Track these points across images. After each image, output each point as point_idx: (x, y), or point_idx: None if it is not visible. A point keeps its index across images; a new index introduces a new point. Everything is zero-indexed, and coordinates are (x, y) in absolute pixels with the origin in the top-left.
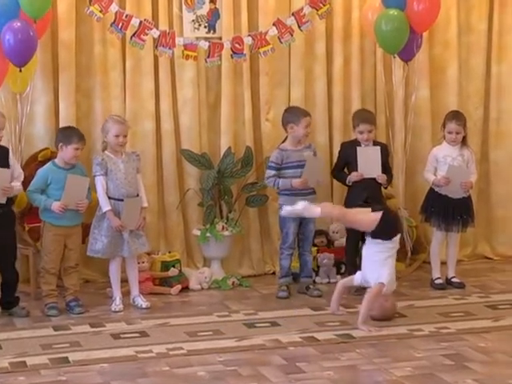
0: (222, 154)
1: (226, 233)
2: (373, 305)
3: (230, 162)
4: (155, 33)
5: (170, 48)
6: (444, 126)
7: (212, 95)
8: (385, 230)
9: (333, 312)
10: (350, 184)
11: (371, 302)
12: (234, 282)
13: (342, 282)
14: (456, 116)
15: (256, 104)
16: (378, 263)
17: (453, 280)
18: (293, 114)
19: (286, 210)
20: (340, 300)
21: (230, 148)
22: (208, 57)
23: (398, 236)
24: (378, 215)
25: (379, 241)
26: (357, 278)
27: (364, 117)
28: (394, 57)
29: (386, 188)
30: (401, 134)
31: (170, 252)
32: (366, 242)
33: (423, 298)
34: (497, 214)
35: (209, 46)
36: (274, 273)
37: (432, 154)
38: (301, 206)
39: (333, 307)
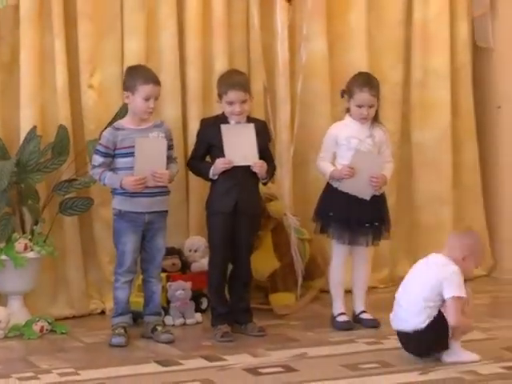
0: (22, 138)
1: (31, 254)
2: None
3: (34, 150)
4: None
5: None
6: (348, 94)
7: (5, 49)
8: None
9: None
10: (215, 178)
11: None
12: (43, 328)
13: None
14: (369, 82)
15: (73, 62)
16: None
17: (363, 316)
18: (131, 77)
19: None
20: None
21: (34, 128)
22: None
23: None
24: None
25: None
26: None
27: (234, 81)
28: None
29: (265, 183)
30: (285, 107)
31: None
32: None
33: (321, 344)
34: (423, 219)
35: None
36: (103, 312)
37: (330, 135)
38: None
39: None
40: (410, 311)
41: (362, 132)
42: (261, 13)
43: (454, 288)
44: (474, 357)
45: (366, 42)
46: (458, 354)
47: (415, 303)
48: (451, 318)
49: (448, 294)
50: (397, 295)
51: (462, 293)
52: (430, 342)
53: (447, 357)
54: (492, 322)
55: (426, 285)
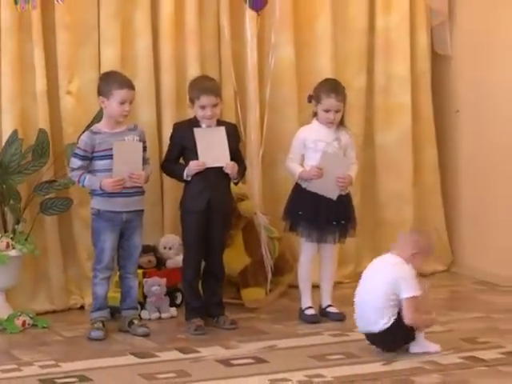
0: (4, 141)
1: (13, 252)
2: None
3: (16, 152)
4: None
5: None
6: (316, 99)
7: None
8: None
9: None
10: (189, 179)
11: None
12: (25, 322)
13: None
14: (336, 88)
15: (52, 69)
16: None
17: (329, 310)
18: (105, 83)
19: None
20: None
21: (15, 132)
22: None
23: None
24: None
25: None
26: None
27: (206, 86)
28: (245, 2)
29: (236, 183)
30: (255, 111)
31: None
32: None
33: (289, 336)
34: (386, 217)
35: None
36: (82, 307)
37: (298, 138)
38: None
39: None
40: (374, 308)
41: (329, 135)
42: (231, 22)
43: (409, 288)
44: (437, 347)
45: (331, 50)
46: (423, 344)
47: (378, 298)
48: (407, 318)
49: (403, 295)
50: (357, 297)
51: (417, 292)
52: (398, 337)
53: (414, 347)
54: (450, 314)
55: (384, 283)
